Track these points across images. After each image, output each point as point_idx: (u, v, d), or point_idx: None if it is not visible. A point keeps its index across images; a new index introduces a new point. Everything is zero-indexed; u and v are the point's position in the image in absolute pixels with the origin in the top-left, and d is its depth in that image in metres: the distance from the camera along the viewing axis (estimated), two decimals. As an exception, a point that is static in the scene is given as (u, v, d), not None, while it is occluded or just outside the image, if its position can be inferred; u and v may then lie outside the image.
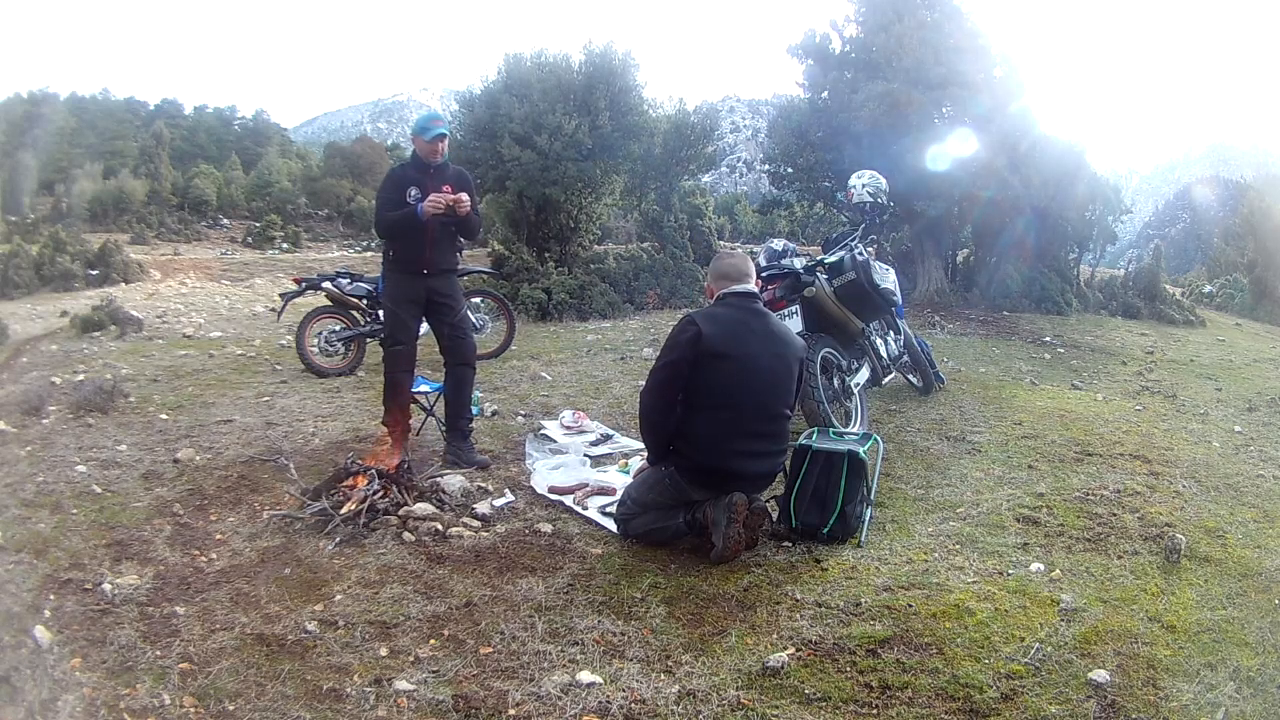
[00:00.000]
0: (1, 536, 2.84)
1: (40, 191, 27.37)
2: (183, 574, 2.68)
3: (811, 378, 4.05)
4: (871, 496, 3.22)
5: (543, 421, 4.59)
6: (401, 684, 2.08)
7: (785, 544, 3.01)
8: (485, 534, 3.08)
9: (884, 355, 4.77)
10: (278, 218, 27.45)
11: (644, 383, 2.99)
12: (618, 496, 3.25)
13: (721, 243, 18.90)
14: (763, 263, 4.71)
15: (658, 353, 3.05)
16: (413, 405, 4.41)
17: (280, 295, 8.22)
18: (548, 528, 3.15)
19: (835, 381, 4.35)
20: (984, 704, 2.01)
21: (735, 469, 2.90)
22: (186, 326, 8.54)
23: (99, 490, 3.37)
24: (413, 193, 3.83)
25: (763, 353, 2.92)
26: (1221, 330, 11.63)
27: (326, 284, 6.26)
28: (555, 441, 4.24)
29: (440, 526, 3.07)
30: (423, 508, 3.16)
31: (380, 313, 6.29)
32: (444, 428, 4.06)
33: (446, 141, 3.91)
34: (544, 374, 5.96)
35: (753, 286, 3.07)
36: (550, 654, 2.24)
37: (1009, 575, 2.70)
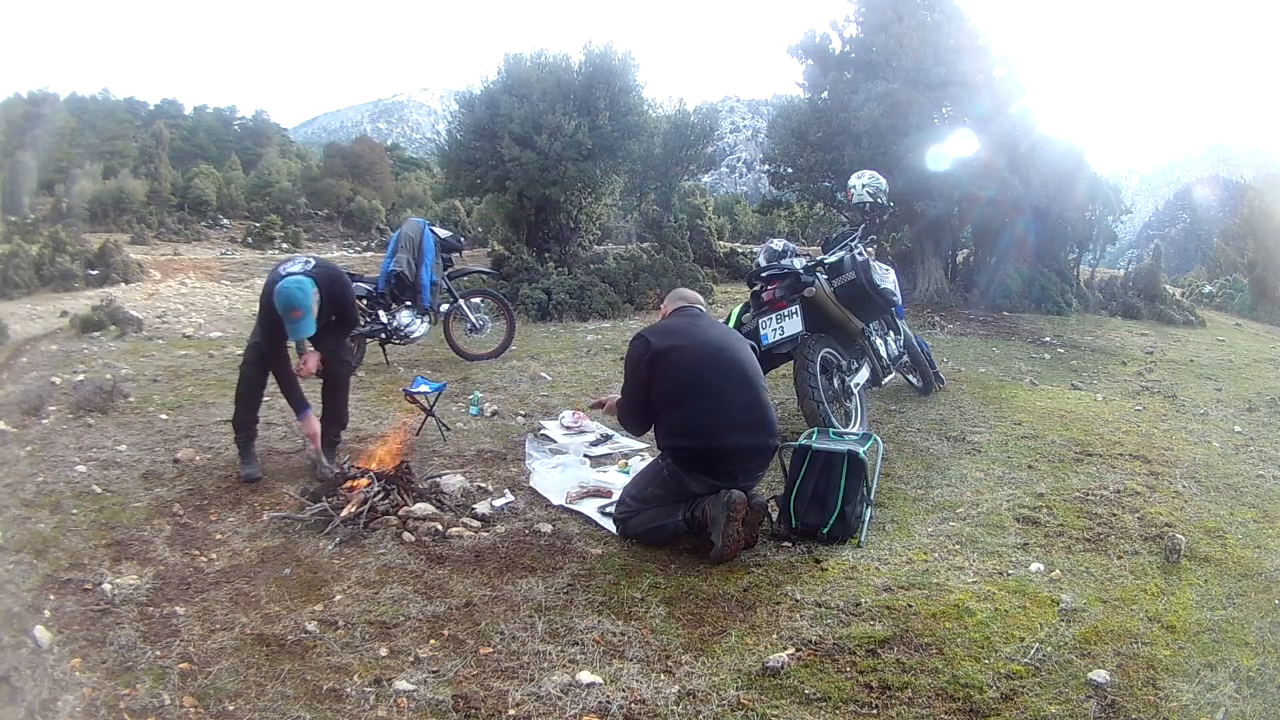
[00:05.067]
0: (1, 536, 2.84)
1: (40, 191, 27.24)
2: (183, 574, 2.68)
3: (811, 378, 4.06)
4: (871, 496, 3.23)
5: (543, 421, 4.59)
6: (401, 684, 2.08)
7: (785, 544, 3.01)
8: (485, 534, 3.08)
9: (884, 355, 4.77)
10: (278, 218, 27.34)
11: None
12: (616, 497, 3.26)
13: (721, 243, 18.89)
14: (762, 263, 4.71)
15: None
16: (413, 405, 4.43)
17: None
18: (548, 528, 3.16)
19: (835, 381, 4.35)
20: (984, 704, 2.01)
21: (725, 445, 2.93)
22: (186, 326, 8.52)
23: (99, 490, 3.37)
24: None
25: (711, 335, 3.13)
26: (1221, 330, 11.62)
27: (326, 284, 6.25)
28: (555, 441, 4.24)
29: (440, 527, 3.07)
30: (422, 508, 3.16)
31: (380, 312, 6.30)
32: (444, 428, 4.06)
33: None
34: (544, 374, 5.96)
35: (701, 309, 3.33)
36: (550, 654, 2.25)
37: (1009, 575, 2.70)
